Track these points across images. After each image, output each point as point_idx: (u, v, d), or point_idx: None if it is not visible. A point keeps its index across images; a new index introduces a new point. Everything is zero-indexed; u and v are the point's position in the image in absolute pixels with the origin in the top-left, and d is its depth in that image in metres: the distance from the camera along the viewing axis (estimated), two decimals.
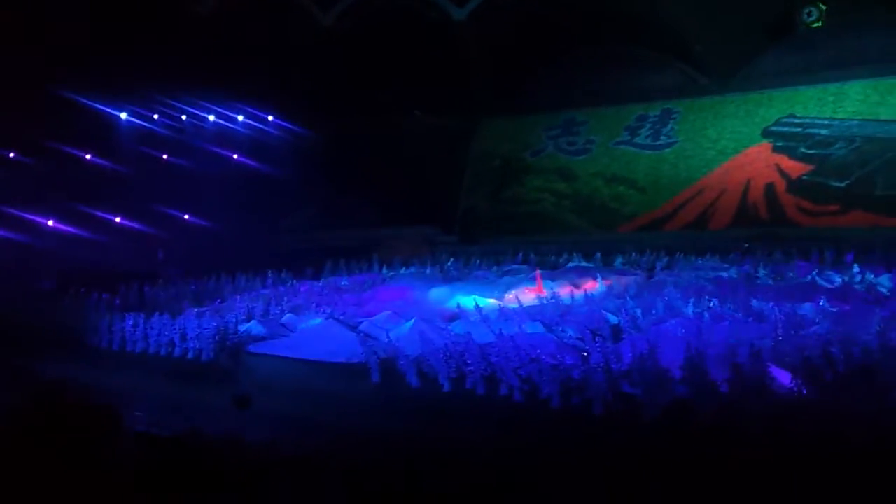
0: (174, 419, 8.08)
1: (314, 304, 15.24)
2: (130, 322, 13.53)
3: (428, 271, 19.29)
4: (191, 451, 6.85)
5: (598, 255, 19.38)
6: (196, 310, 15.06)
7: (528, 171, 26.93)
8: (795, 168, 21.54)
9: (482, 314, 12.70)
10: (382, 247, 22.19)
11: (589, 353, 9.45)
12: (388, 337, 11.19)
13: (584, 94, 26.32)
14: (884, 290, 13.26)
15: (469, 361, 9.89)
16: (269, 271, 19.03)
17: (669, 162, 24.07)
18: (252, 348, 12.81)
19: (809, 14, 19.79)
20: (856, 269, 14.77)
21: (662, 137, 24.72)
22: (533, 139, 27.41)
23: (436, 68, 25.55)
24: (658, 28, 23.02)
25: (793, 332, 10.14)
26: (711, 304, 12.36)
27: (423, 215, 25.00)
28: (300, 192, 25.28)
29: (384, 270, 19.67)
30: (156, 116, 24.52)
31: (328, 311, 14.36)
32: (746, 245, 18.16)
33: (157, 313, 13.62)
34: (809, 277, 14.66)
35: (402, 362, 10.43)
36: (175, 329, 12.95)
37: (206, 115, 25.46)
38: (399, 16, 24.13)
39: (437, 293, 15.96)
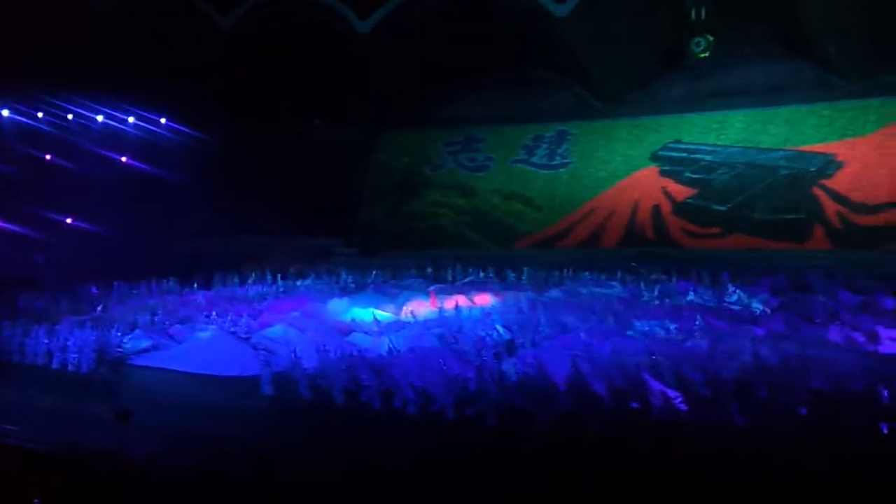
0: (53, 433, 7.71)
1: (204, 315, 14.79)
2: (6, 332, 12.79)
3: (324, 283, 19.11)
4: (70, 466, 6.58)
5: (492, 270, 19.69)
6: (77, 319, 14.33)
7: (427, 185, 27.07)
8: (680, 191, 22.59)
9: (379, 326, 12.70)
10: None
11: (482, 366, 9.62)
12: (281, 349, 11.01)
13: (483, 112, 26.74)
14: (759, 310, 14.05)
15: (364, 374, 9.86)
16: (158, 279, 18.36)
17: (564, 181, 24.77)
18: (136, 360, 12.31)
19: (698, 44, 20.83)
20: (731, 288, 15.59)
21: (557, 157, 25.43)
22: (433, 154, 27.62)
23: (338, 78, 25.43)
24: (555, 51, 23.70)
25: (672, 349, 10.61)
26: (596, 321, 12.80)
27: (322, 226, 24.73)
28: (194, 198, 24.58)
29: (279, 281, 19.31)
30: (40, 115, 23.30)
31: (219, 322, 13.98)
32: (633, 264, 18.85)
33: (34, 322, 12.90)
34: (689, 297, 15.33)
35: (295, 375, 10.28)
36: (54, 339, 12.31)
37: (94, 116, 24.40)
38: (302, 24, 23.88)
39: (333, 305, 15.83)
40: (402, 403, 9.44)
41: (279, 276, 19.59)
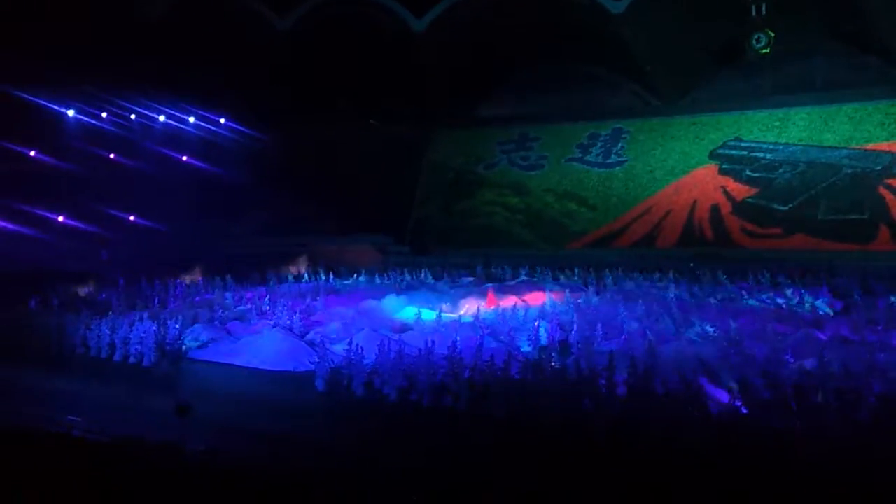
0: (115, 425, 7.90)
1: (261, 311, 15.03)
2: (72, 326, 13.19)
3: (378, 281, 19.23)
4: (131, 458, 6.72)
5: (548, 270, 19.53)
6: (138, 313, 14.70)
7: (481, 184, 27.05)
8: (740, 190, 22.10)
9: (437, 325, 12.74)
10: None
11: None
12: (336, 346, 11.12)
13: (537, 110, 26.59)
14: (822, 312, 13.65)
15: (419, 372, 9.89)
16: (217, 276, 18.72)
17: (619, 180, 24.46)
18: (195, 354, 12.57)
19: (758, 41, 20.28)
20: (793, 290, 15.17)
21: (613, 156, 25.13)
22: (486, 152, 27.57)
23: (392, 78, 25.58)
24: (612, 49, 23.44)
25: (733, 352, 10.37)
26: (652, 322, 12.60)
27: (375, 224, 24.91)
28: (252, 197, 25.00)
29: (333, 279, 19.50)
30: (104, 115, 24.01)
31: (275, 318, 14.17)
32: (692, 265, 18.50)
33: (98, 316, 13.28)
34: (751, 299, 14.98)
35: (350, 371, 10.36)
36: (117, 333, 12.65)
37: (156, 116, 25.04)
38: (357, 24, 24.09)
39: (388, 303, 15.91)
40: (454, 400, 9.43)
41: (333, 273, 19.80)
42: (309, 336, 13.02)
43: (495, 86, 26.76)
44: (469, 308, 14.60)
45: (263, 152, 26.39)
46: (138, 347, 12.28)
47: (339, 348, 11.18)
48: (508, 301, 14.99)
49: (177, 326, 13.01)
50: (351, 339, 10.85)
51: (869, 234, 19.65)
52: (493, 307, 14.87)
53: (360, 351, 10.32)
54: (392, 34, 24.15)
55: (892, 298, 13.84)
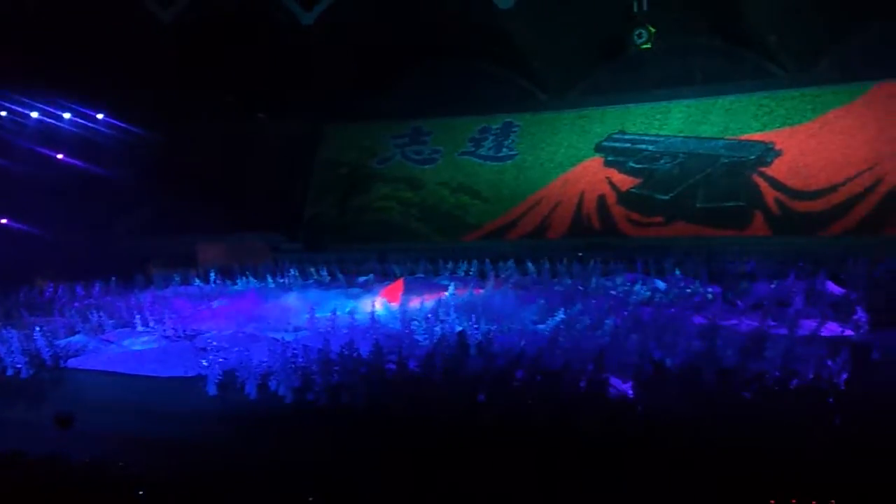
0: None
1: (146, 315, 14.43)
2: None
3: (271, 280, 18.83)
4: (11, 474, 6.42)
5: (445, 263, 19.63)
6: (12, 321, 13.86)
7: (375, 178, 26.94)
8: (625, 181, 22.86)
9: (332, 323, 12.58)
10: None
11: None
12: (227, 348, 10.83)
13: (430, 105, 26.66)
14: (701, 297, 14.32)
15: (313, 372, 9.75)
16: (98, 279, 17.87)
17: (510, 173, 24.88)
18: (75, 363, 11.96)
19: (640, 36, 20.95)
20: (674, 276, 15.88)
21: (504, 150, 25.52)
22: (380, 147, 27.45)
23: (282, 72, 25.05)
24: (500, 43, 23.77)
25: (622, 338, 10.73)
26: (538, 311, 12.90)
27: (267, 221, 24.40)
28: (135, 196, 24.00)
29: (222, 279, 18.97)
30: None
31: (161, 322, 13.67)
32: (580, 254, 19.01)
33: None
34: (635, 286, 15.54)
35: (242, 375, 10.11)
36: None
37: (28, 112, 23.61)
38: (245, 16, 23.45)
39: (282, 303, 15.61)
40: (350, 399, 9.35)
41: (223, 273, 19.25)
42: (198, 339, 12.62)
43: (387, 80, 26.64)
44: (365, 305, 14.49)
45: (149, 149, 25.36)
46: (12, 358, 11.57)
47: (231, 351, 10.90)
48: (406, 296, 14.96)
49: (56, 334, 12.36)
50: (242, 341, 10.60)
51: (745, 221, 20.73)
52: (390, 303, 14.82)
53: (252, 353, 10.10)
54: (281, 27, 23.64)
55: (762, 283, 14.62)
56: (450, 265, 19.30)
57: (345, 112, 27.32)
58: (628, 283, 15.95)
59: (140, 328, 13.89)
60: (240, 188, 24.14)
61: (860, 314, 11.67)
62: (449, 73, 26.09)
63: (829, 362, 8.78)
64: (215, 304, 16.13)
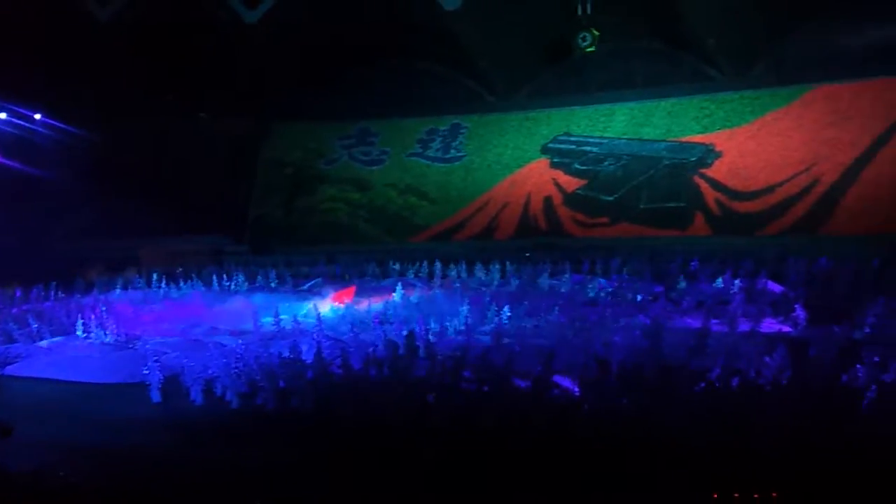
0: None
1: (86, 321, 14.04)
2: None
3: (216, 284, 18.53)
4: None
5: (393, 265, 19.61)
6: None
7: (321, 179, 26.74)
8: (570, 183, 23.16)
9: (278, 327, 12.44)
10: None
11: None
12: (170, 354, 10.62)
13: (377, 106, 26.58)
14: (642, 297, 14.58)
15: (259, 377, 9.62)
16: (35, 284, 17.32)
17: (458, 175, 24.97)
18: (11, 371, 11.57)
19: (584, 39, 21.24)
20: (616, 276, 16.16)
21: (452, 151, 25.60)
22: (326, 148, 27.26)
23: (224, 71, 24.65)
24: (446, 44, 23.81)
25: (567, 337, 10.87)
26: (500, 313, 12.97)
27: (211, 223, 23.97)
28: (74, 198, 23.28)
29: (165, 283, 18.58)
30: None
31: (102, 327, 13.31)
32: (527, 255, 19.19)
33: None
34: (581, 286, 15.76)
35: (186, 380, 9.92)
36: None
37: None
38: (186, 14, 22.97)
39: (226, 307, 15.38)
40: (300, 403, 9.26)
41: (165, 278, 18.86)
42: (140, 345, 12.34)
43: (334, 80, 26.43)
44: (313, 308, 14.35)
45: (88, 150, 24.64)
46: None
47: (175, 356, 10.69)
48: (354, 299, 14.89)
49: None
50: (187, 346, 10.40)
51: (686, 221, 21.19)
52: (337, 305, 14.73)
53: (197, 358, 9.92)
54: (224, 25, 23.25)
55: (702, 283, 14.97)
56: (397, 266, 19.27)
57: (290, 112, 27.03)
58: (574, 283, 16.16)
59: (80, 334, 13.49)
60: (183, 189, 23.64)
61: (798, 311, 12.03)
62: (396, 74, 26.04)
63: (769, 358, 9.02)
64: (159, 308, 15.78)
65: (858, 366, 8.44)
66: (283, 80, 25.65)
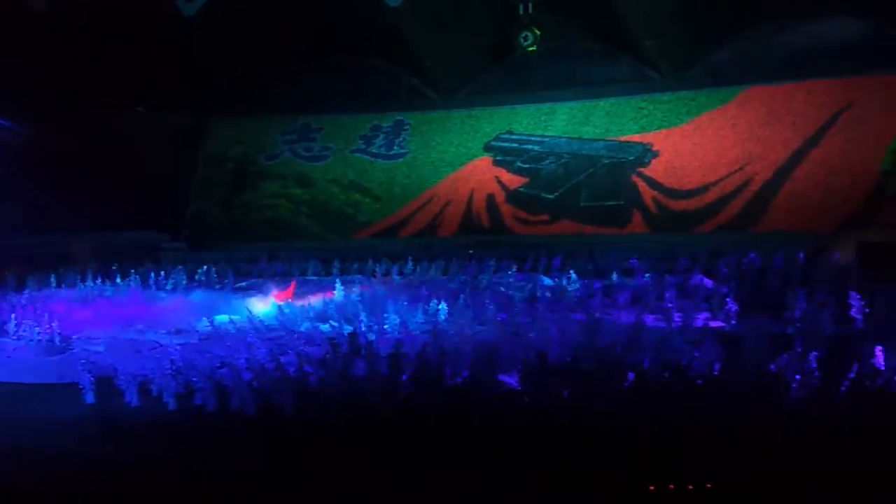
0: None
1: (17, 320, 13.61)
2: None
3: (153, 281, 18.14)
4: None
5: (335, 262, 19.50)
6: None
7: (263, 175, 26.41)
8: (513, 181, 23.39)
9: (216, 327, 12.26)
10: None
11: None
12: (104, 354, 10.39)
13: (320, 101, 26.39)
14: (588, 292, 14.80)
15: (196, 377, 9.49)
16: None
17: (402, 172, 24.96)
18: None
19: (525, 38, 21.50)
20: (557, 274, 16.39)
21: (395, 148, 25.58)
22: (267, 143, 26.94)
23: (162, 64, 24.12)
24: (390, 41, 23.78)
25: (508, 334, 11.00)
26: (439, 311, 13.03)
27: (148, 219, 23.42)
28: (9, 193, 22.50)
29: (100, 281, 18.12)
30: None
31: (33, 327, 12.93)
32: (471, 252, 19.30)
33: None
34: (522, 283, 15.93)
35: (120, 381, 9.71)
36: None
37: None
38: (123, 5, 22.41)
39: (164, 305, 15.10)
40: (239, 404, 9.16)
41: (101, 275, 18.38)
42: (74, 345, 12.04)
43: (275, 75, 26.14)
44: (252, 307, 14.21)
45: (23, 145, 23.85)
46: None
47: (110, 356, 10.46)
48: (295, 297, 14.77)
49: None
50: (122, 347, 10.20)
51: (625, 219, 21.60)
52: (278, 303, 14.59)
53: (132, 359, 9.73)
54: (161, 18, 22.75)
55: (640, 279, 15.29)
56: (337, 264, 19.18)
57: (231, 106, 26.65)
58: (516, 280, 16.33)
59: (11, 333, 13.07)
60: (119, 184, 23.03)
61: (730, 306, 12.40)
62: (339, 70, 25.94)
63: (699, 352, 9.31)
64: (93, 307, 15.38)
65: (785, 357, 8.76)
66: (223, 74, 25.23)
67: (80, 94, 24.13)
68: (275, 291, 15.90)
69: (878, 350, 8.49)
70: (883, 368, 8.36)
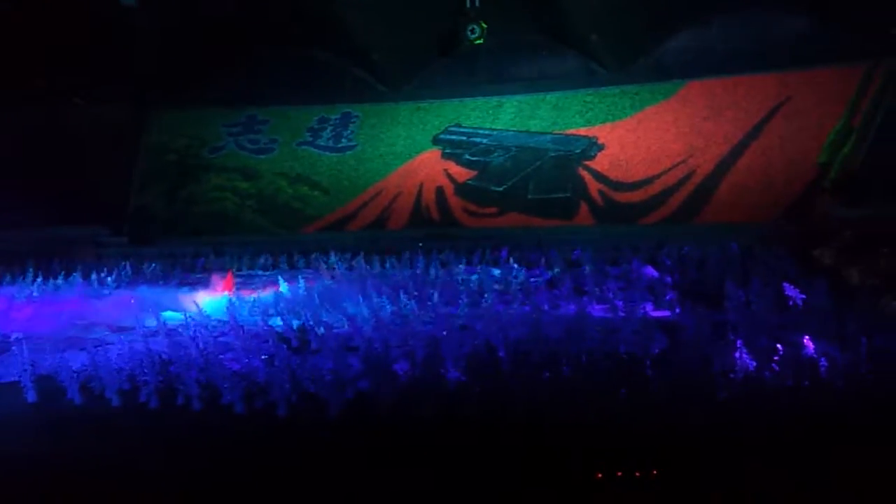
0: None
1: None
2: None
3: (93, 278, 17.70)
4: None
5: (283, 256, 19.33)
6: None
7: (207, 168, 25.99)
8: (461, 173, 23.54)
9: (160, 324, 12.04)
10: None
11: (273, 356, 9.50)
12: (45, 351, 10.13)
13: (265, 93, 26.07)
14: (535, 283, 14.99)
15: (143, 373, 9.33)
16: None
17: (350, 164, 24.86)
18: None
19: (473, 31, 21.50)
20: (508, 265, 16.55)
21: (343, 140, 25.45)
22: (211, 135, 26.51)
23: (100, 54, 23.48)
24: (336, 33, 23.61)
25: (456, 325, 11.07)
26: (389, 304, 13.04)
27: (87, 214, 22.79)
28: None
29: (40, 277, 17.61)
30: None
31: None
32: (420, 244, 19.32)
33: None
34: (471, 275, 16.03)
35: (62, 378, 9.49)
36: None
37: None
38: None
39: (105, 302, 14.77)
40: (185, 400, 9.05)
41: (40, 271, 17.86)
42: (11, 344, 11.69)
43: (218, 66, 25.72)
44: (197, 302, 13.99)
45: None
46: None
47: (51, 354, 10.20)
48: (237, 291, 14.59)
49: None
50: (63, 344, 9.97)
51: (571, 211, 21.91)
52: (220, 296, 14.40)
53: (74, 356, 9.52)
54: (99, 7, 22.14)
55: (587, 270, 15.51)
56: (284, 258, 19.01)
57: (172, 98, 26.14)
58: (464, 272, 16.42)
59: None
60: (57, 178, 22.40)
61: (673, 295, 12.70)
62: (285, 62, 25.65)
63: (645, 339, 9.53)
64: (33, 303, 14.96)
65: (724, 344, 9.03)
66: (165, 66, 24.70)
67: (12, 84, 23.37)
68: (216, 283, 15.66)
69: (807, 339, 8.83)
70: (814, 355, 8.68)
